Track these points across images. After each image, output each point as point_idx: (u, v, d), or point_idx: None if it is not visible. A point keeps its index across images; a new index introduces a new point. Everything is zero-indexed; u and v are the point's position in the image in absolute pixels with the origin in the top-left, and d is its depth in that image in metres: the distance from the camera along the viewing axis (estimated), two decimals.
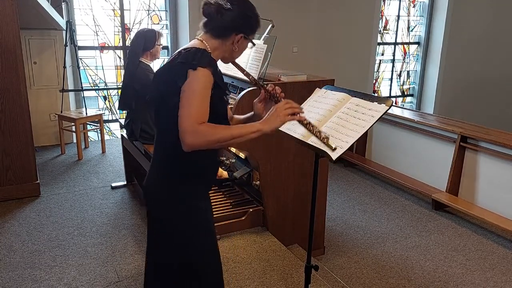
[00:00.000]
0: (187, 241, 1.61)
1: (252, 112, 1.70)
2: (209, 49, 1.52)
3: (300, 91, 2.68)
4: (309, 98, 1.94)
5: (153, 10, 5.72)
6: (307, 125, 1.61)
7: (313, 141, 1.68)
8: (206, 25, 1.54)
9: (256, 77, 2.59)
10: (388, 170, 4.59)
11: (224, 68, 2.96)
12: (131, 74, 3.30)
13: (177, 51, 1.54)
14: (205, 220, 1.62)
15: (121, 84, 5.69)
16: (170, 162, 1.57)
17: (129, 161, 3.95)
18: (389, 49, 7.38)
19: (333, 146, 1.58)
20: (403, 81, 7.72)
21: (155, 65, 3.74)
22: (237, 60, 1.65)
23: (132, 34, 5.60)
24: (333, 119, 1.73)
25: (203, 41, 1.53)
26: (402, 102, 7.82)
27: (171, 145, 1.49)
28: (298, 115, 1.55)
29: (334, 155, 1.59)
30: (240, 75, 2.83)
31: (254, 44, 1.62)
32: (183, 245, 1.61)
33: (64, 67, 4.92)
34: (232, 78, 2.89)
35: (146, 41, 3.33)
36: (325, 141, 1.60)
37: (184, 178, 1.57)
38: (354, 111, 1.70)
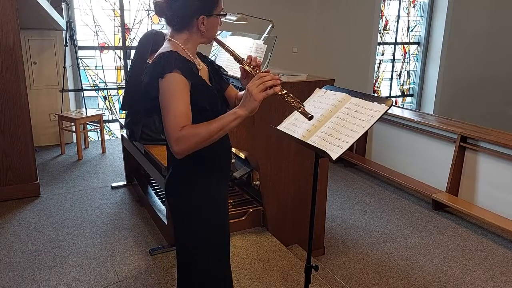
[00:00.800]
0: (183, 241, 1.64)
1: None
2: (180, 45, 1.51)
3: (300, 91, 2.68)
4: (309, 98, 1.94)
5: (153, 10, 5.71)
6: (283, 96, 1.49)
7: (313, 141, 1.68)
8: (167, 23, 1.53)
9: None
10: (388, 170, 4.59)
11: (224, 67, 2.95)
12: (138, 76, 3.26)
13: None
14: (204, 221, 1.61)
15: (121, 84, 5.71)
16: (172, 164, 1.63)
17: (129, 161, 3.95)
18: (389, 49, 7.38)
19: (309, 115, 1.51)
20: (403, 81, 7.72)
21: None
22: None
23: (132, 34, 5.61)
24: (333, 119, 1.72)
25: (172, 39, 1.52)
26: (402, 102, 7.82)
27: (169, 150, 1.54)
28: (272, 88, 1.43)
29: (333, 155, 1.59)
30: (239, 74, 2.84)
31: (224, 15, 1.57)
32: (181, 247, 1.66)
33: (64, 67, 4.91)
34: (232, 78, 2.89)
35: (155, 43, 3.30)
36: (301, 110, 1.51)
37: (184, 178, 1.59)
38: (354, 111, 1.70)
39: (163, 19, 1.54)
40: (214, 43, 1.72)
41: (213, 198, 1.62)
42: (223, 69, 1.74)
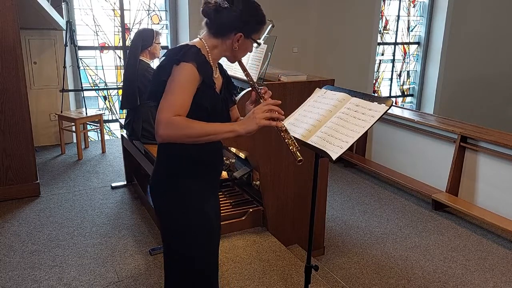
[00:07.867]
0: (171, 239, 1.65)
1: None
2: (207, 47, 1.54)
3: (300, 91, 2.68)
4: (309, 98, 1.94)
5: (153, 10, 5.72)
6: (282, 132, 1.50)
7: (313, 141, 1.68)
8: (206, 24, 1.56)
9: (256, 77, 2.59)
10: (388, 170, 4.59)
11: (225, 67, 2.95)
12: (132, 74, 3.31)
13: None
14: (193, 217, 1.60)
15: (121, 84, 5.71)
16: (164, 159, 1.62)
17: (129, 161, 3.95)
18: (389, 49, 7.38)
19: (299, 158, 1.47)
20: (403, 81, 7.72)
21: (155, 63, 3.74)
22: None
23: (132, 34, 5.62)
24: (333, 119, 1.73)
25: (202, 40, 1.55)
26: (402, 102, 7.82)
27: (159, 146, 1.56)
28: (276, 121, 1.47)
29: (334, 155, 1.59)
30: (239, 75, 2.84)
31: (259, 44, 1.61)
32: (168, 244, 1.68)
33: (64, 67, 4.92)
34: (232, 78, 2.89)
35: (144, 39, 3.35)
36: (293, 150, 1.49)
37: (174, 173, 1.59)
38: (354, 111, 1.70)
39: (205, 19, 1.56)
40: None
41: (201, 202, 1.61)
42: (236, 88, 1.76)
